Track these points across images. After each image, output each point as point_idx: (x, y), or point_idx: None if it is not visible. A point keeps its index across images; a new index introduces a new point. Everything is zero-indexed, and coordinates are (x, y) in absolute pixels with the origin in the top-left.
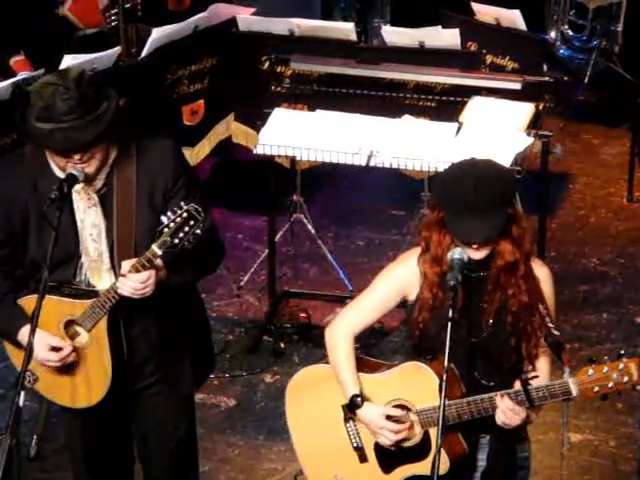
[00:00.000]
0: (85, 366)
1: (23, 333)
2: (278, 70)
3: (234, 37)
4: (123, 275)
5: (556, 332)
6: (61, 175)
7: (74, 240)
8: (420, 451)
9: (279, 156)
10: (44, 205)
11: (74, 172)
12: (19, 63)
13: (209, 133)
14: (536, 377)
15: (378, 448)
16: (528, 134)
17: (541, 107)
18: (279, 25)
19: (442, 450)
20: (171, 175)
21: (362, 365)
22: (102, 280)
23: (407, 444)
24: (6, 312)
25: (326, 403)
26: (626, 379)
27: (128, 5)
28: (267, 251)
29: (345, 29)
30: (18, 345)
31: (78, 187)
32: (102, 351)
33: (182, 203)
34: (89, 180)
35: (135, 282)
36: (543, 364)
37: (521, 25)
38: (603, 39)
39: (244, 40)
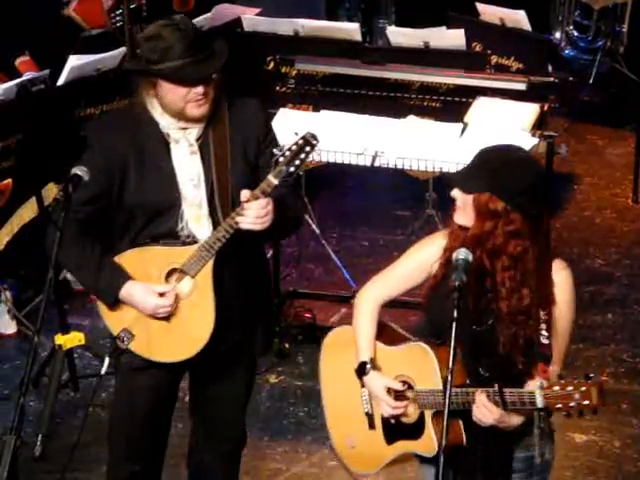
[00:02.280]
0: (185, 316)
1: (126, 288)
2: (283, 70)
3: (239, 37)
4: (241, 207)
5: (545, 341)
6: (163, 122)
7: (175, 188)
8: (416, 430)
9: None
10: (52, 206)
11: (78, 172)
12: (24, 64)
13: None
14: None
15: (385, 418)
16: (533, 135)
17: (546, 108)
18: (284, 25)
19: (431, 432)
20: (262, 130)
21: (385, 334)
22: (202, 227)
23: (405, 420)
24: (106, 271)
25: (351, 365)
26: (586, 402)
27: (133, 5)
28: (272, 251)
29: (350, 29)
30: (113, 305)
31: (177, 136)
32: (206, 298)
33: (296, 132)
34: (186, 127)
35: (256, 209)
36: (552, 366)
37: (526, 26)
38: (608, 40)
39: (249, 40)
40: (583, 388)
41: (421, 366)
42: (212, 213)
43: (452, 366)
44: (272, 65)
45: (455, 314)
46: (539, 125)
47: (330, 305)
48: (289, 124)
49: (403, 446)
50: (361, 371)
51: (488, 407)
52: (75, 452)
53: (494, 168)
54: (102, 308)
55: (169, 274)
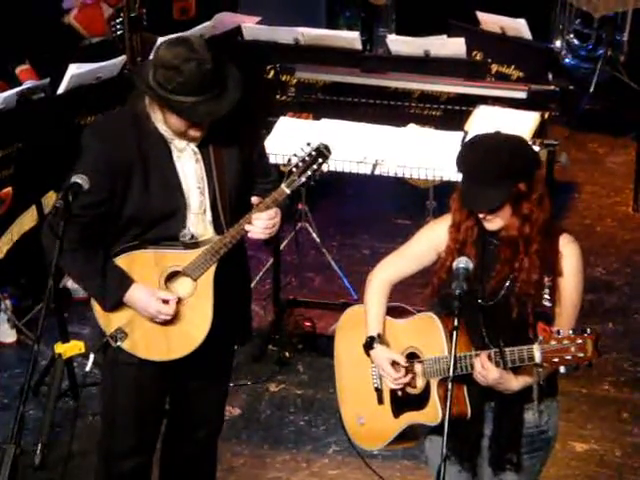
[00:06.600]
0: (181, 317)
1: (130, 292)
2: (283, 79)
3: (239, 46)
4: (250, 215)
5: (548, 304)
6: (167, 133)
7: (180, 194)
8: (421, 400)
9: (284, 165)
10: (51, 214)
11: (79, 180)
12: (25, 72)
13: None
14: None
15: (393, 392)
16: (533, 143)
17: (546, 116)
18: (284, 34)
19: (436, 400)
20: (254, 129)
21: (396, 311)
22: (205, 231)
23: (411, 392)
24: (110, 276)
25: (362, 343)
26: (581, 355)
27: (133, 14)
28: (272, 260)
29: (350, 38)
30: (114, 308)
31: (181, 145)
32: (205, 301)
33: (308, 142)
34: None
35: (265, 220)
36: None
37: (527, 34)
38: (608, 48)
39: (249, 49)
40: (579, 341)
41: (428, 335)
42: (214, 217)
43: (452, 374)
44: (272, 74)
45: (456, 322)
46: (539, 134)
47: (330, 314)
48: (289, 133)
49: (409, 417)
50: (368, 346)
51: (488, 367)
52: (74, 460)
53: (500, 169)
54: (96, 307)
55: (170, 275)
